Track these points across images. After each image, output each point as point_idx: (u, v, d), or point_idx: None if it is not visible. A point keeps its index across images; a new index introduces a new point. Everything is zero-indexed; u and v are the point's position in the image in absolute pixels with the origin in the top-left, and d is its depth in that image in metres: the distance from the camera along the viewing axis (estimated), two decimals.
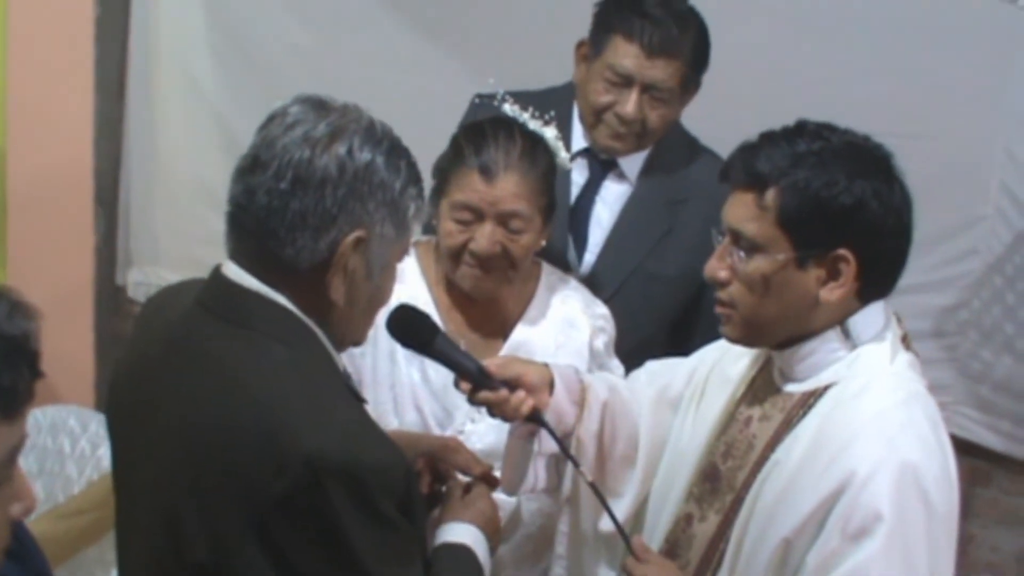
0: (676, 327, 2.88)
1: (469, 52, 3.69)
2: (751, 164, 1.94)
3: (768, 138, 1.97)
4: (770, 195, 1.91)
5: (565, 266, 2.68)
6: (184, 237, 4.27)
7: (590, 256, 2.83)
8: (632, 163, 2.83)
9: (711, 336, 2.83)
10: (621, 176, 2.84)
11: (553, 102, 2.59)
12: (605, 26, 2.74)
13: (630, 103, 2.69)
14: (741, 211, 1.95)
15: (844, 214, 1.89)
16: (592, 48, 2.77)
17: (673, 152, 2.86)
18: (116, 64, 4.21)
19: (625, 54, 2.68)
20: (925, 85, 3.32)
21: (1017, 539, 3.57)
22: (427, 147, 2.92)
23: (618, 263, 2.81)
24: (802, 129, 1.96)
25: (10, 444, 1.34)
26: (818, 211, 1.89)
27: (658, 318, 2.82)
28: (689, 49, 2.70)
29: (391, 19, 3.83)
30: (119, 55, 4.21)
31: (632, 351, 2.59)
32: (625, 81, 2.69)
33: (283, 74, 3.98)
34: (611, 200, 2.84)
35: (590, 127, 2.75)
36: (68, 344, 4.18)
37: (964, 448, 1.96)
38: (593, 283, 2.74)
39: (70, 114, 4.17)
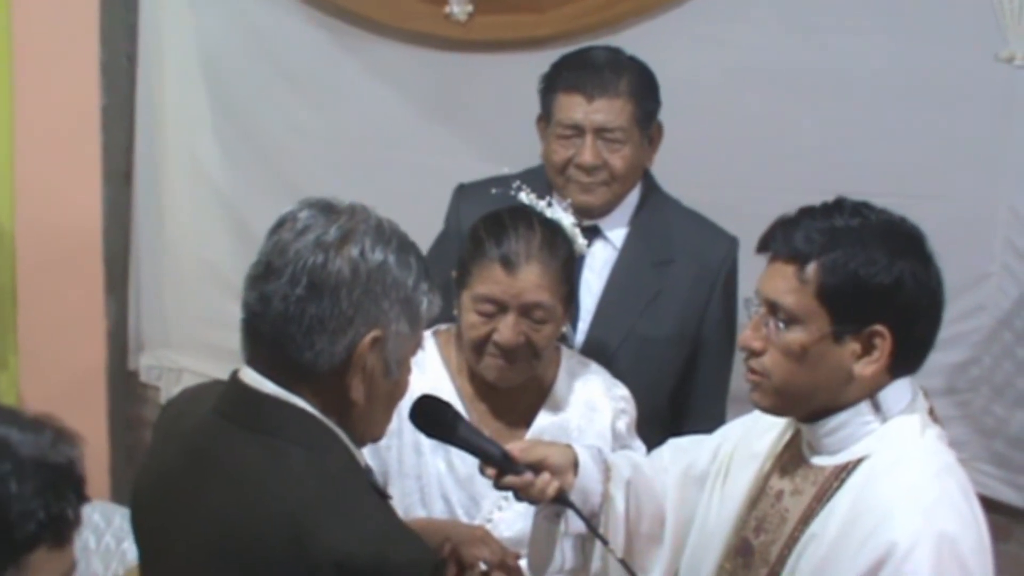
0: (673, 396, 2.91)
1: (473, 132, 3.74)
2: (791, 238, 1.98)
3: (807, 212, 2.01)
4: (811, 269, 1.95)
5: (561, 337, 2.69)
6: (194, 320, 4.31)
7: (583, 324, 2.85)
8: (616, 229, 2.87)
9: (707, 403, 2.91)
10: (606, 242, 2.87)
11: (532, 181, 2.63)
12: (548, 90, 2.84)
13: (586, 150, 2.75)
14: (781, 283, 1.98)
15: (883, 293, 1.93)
16: (544, 117, 2.85)
17: (655, 215, 2.90)
18: (123, 152, 4.27)
19: (569, 106, 2.77)
20: (928, 146, 3.36)
21: None
22: (433, 226, 2.98)
23: (611, 328, 2.83)
24: (841, 205, 2.00)
25: (60, 572, 1.36)
26: (858, 288, 1.93)
27: (656, 383, 2.84)
28: (627, 85, 2.77)
29: (394, 99, 3.88)
30: (126, 143, 4.27)
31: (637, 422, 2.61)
32: (576, 131, 2.77)
33: (287, 156, 4.04)
34: (598, 267, 2.86)
35: (561, 189, 2.78)
36: (82, 431, 4.14)
37: (982, 504, 1.99)
38: (590, 350, 2.76)
39: (79, 202, 4.21)
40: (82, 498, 1.38)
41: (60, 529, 1.36)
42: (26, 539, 1.36)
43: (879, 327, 1.94)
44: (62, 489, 1.36)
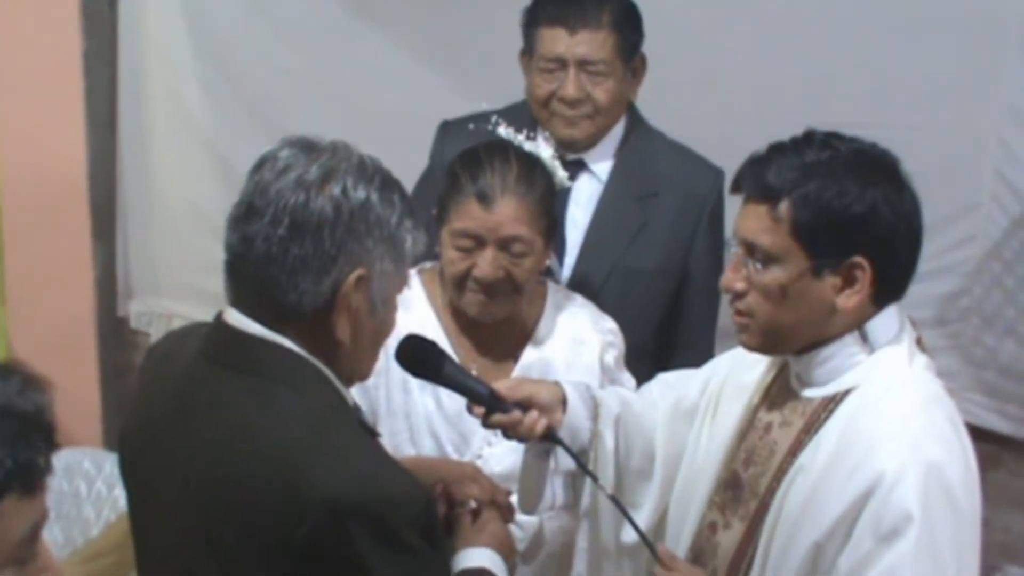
0: (661, 329, 2.91)
1: (459, 70, 3.70)
2: (762, 176, 1.95)
3: (777, 149, 1.98)
4: (783, 207, 1.93)
5: (547, 271, 2.68)
6: (183, 265, 4.29)
7: (570, 258, 2.84)
8: (601, 162, 2.86)
9: (695, 335, 2.92)
10: (591, 176, 2.86)
11: (515, 117, 2.61)
12: (530, 24, 2.81)
13: (569, 83, 2.74)
14: (755, 223, 1.96)
15: (857, 223, 1.91)
16: (527, 51, 2.83)
17: (640, 147, 2.89)
18: (106, 97, 4.23)
19: (551, 39, 2.75)
20: (917, 77, 3.33)
21: None
22: (421, 165, 2.96)
23: (597, 261, 2.83)
24: (810, 139, 1.98)
25: (32, 520, 1.35)
26: (831, 221, 1.91)
27: (643, 316, 2.83)
28: (610, 17, 2.75)
29: (378, 40, 3.84)
30: (109, 88, 4.23)
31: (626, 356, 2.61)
32: (559, 64, 2.75)
33: (272, 99, 4.02)
34: (584, 201, 2.85)
35: (544, 123, 2.78)
36: (73, 379, 4.17)
37: (972, 433, 2.00)
38: (576, 284, 2.76)
39: (63, 149, 4.18)
40: (52, 445, 1.36)
41: (30, 477, 1.34)
42: None
43: (858, 258, 1.92)
44: (31, 437, 1.34)
